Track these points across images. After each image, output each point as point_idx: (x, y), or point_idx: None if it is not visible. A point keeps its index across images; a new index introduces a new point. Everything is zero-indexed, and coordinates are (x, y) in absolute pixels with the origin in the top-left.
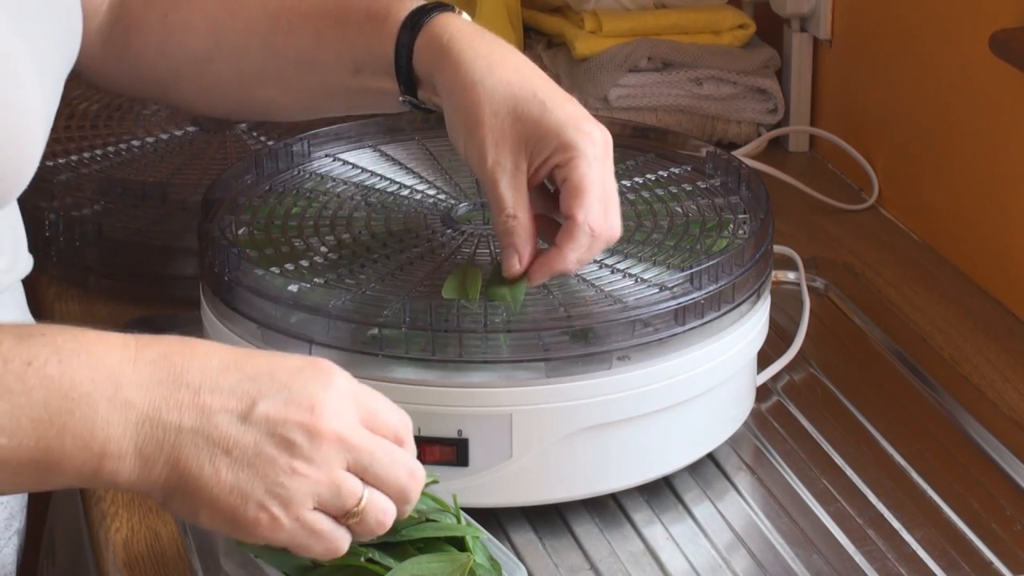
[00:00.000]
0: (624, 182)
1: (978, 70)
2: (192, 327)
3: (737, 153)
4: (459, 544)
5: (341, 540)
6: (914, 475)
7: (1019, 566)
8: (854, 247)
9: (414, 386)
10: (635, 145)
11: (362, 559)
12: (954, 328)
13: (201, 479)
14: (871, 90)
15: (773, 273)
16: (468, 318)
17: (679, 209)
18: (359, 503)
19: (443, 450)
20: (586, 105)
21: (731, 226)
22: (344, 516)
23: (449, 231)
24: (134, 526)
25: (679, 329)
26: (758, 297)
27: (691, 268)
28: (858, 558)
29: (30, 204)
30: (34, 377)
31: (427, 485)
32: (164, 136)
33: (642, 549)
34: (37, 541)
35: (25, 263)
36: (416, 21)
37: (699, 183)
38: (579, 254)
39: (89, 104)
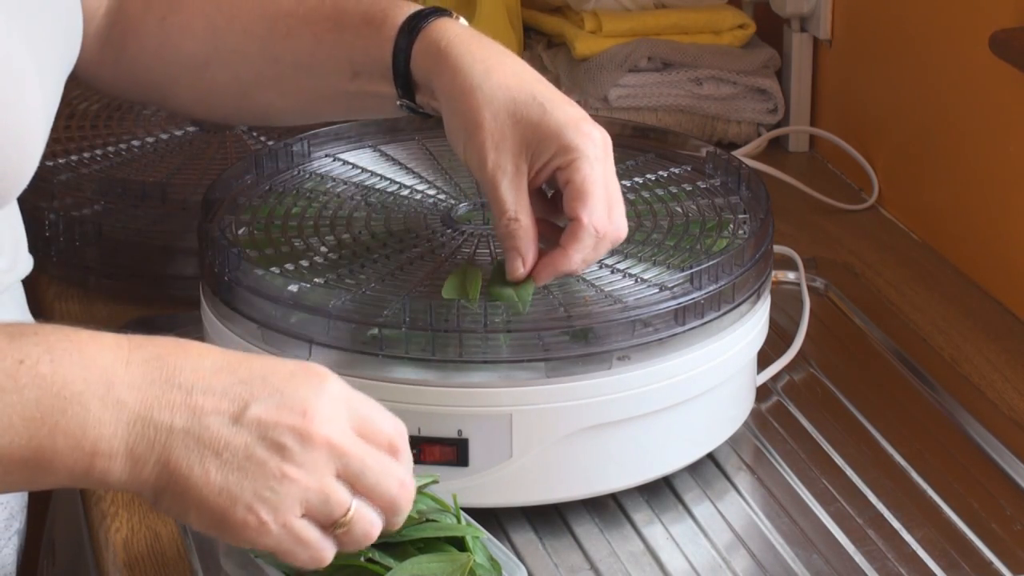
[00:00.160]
0: (624, 182)
1: (978, 70)
2: (192, 327)
3: (737, 153)
4: (459, 544)
5: (326, 551)
6: (914, 475)
7: (1019, 566)
8: (854, 247)
9: (414, 386)
10: (635, 145)
11: (362, 559)
12: (954, 328)
13: (190, 480)
14: (871, 90)
15: (773, 273)
16: (468, 318)
17: (679, 209)
18: (347, 513)
19: (443, 450)
20: (586, 105)
21: (731, 226)
22: (331, 526)
23: (449, 231)
24: (134, 526)
25: (679, 329)
26: (758, 297)
27: (691, 268)
28: (858, 558)
29: (30, 204)
30: (26, 376)
31: (427, 485)
32: (164, 136)
33: (642, 549)
34: (37, 541)
35: (25, 263)
36: (414, 25)
37: (699, 183)
38: (584, 255)
39: (89, 104)
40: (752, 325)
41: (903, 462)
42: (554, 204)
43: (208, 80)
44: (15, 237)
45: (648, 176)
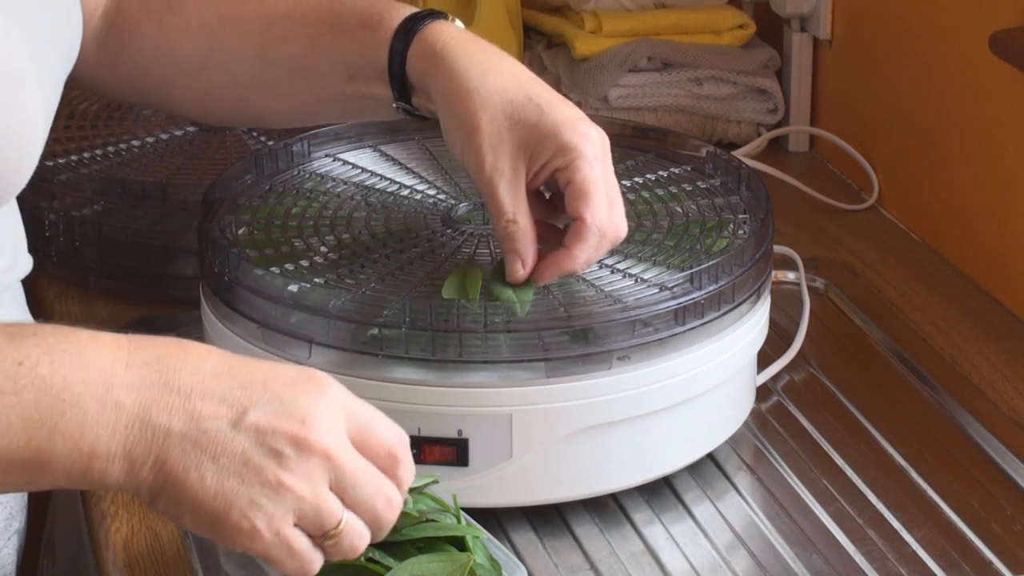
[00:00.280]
0: (624, 182)
1: (978, 70)
2: (192, 327)
3: (737, 153)
4: (459, 544)
5: (314, 562)
6: (914, 475)
7: (1019, 566)
8: (854, 247)
9: (414, 386)
10: (635, 145)
11: (362, 559)
12: (954, 328)
13: (186, 483)
14: (871, 90)
15: (773, 273)
16: (468, 318)
17: (679, 209)
18: (338, 525)
19: (443, 450)
20: (586, 105)
21: (731, 226)
22: (321, 536)
23: (449, 231)
24: (134, 526)
25: (679, 329)
26: (758, 297)
27: (691, 268)
28: (858, 558)
29: (30, 204)
30: (25, 377)
31: (427, 485)
32: (164, 136)
33: (642, 549)
34: (37, 541)
35: (25, 263)
36: (409, 28)
37: (699, 183)
38: (588, 254)
39: (89, 104)
40: (752, 325)
41: (903, 462)
42: (552, 206)
43: (204, 82)
44: (15, 237)
45: (648, 176)
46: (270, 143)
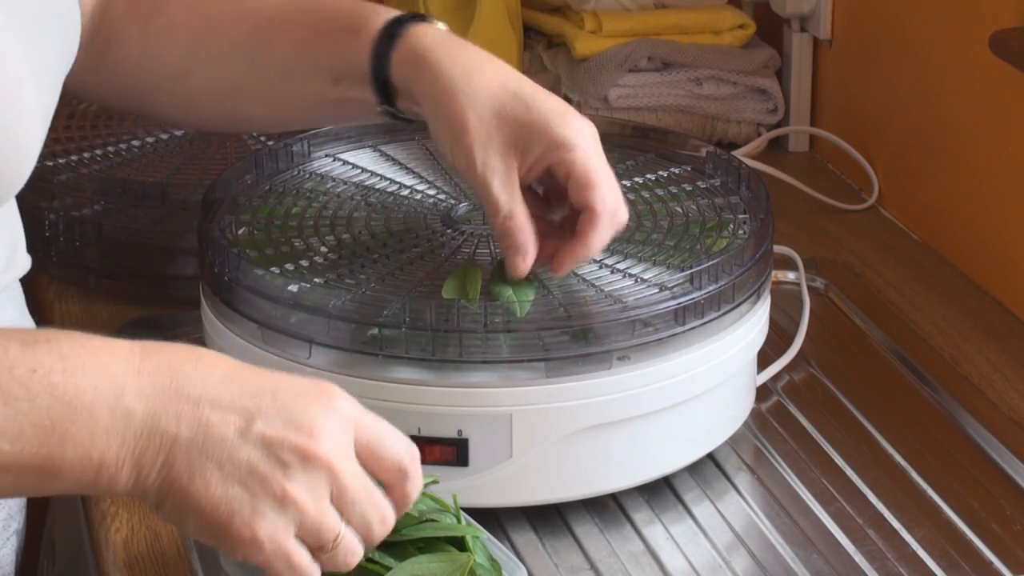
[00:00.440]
0: (624, 182)
1: (978, 70)
2: (192, 327)
3: (737, 153)
4: (459, 544)
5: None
6: (914, 475)
7: (1019, 566)
8: (854, 247)
9: (414, 386)
10: (635, 145)
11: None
12: (954, 328)
13: (191, 489)
14: (871, 90)
15: (773, 273)
16: (468, 318)
17: (679, 209)
18: (335, 539)
19: (443, 450)
20: (586, 105)
21: (731, 226)
22: (318, 549)
23: (449, 231)
24: (134, 526)
25: (679, 329)
26: (758, 297)
27: (691, 268)
28: (858, 558)
29: (30, 204)
30: (39, 384)
31: (427, 485)
32: (164, 136)
33: (642, 549)
34: (37, 541)
35: (23, 263)
36: (392, 32)
37: (699, 183)
38: (603, 240)
39: (89, 104)
40: (752, 325)
41: (903, 462)
42: (546, 201)
43: (188, 87)
44: (12, 237)
45: (648, 176)
46: (270, 143)
